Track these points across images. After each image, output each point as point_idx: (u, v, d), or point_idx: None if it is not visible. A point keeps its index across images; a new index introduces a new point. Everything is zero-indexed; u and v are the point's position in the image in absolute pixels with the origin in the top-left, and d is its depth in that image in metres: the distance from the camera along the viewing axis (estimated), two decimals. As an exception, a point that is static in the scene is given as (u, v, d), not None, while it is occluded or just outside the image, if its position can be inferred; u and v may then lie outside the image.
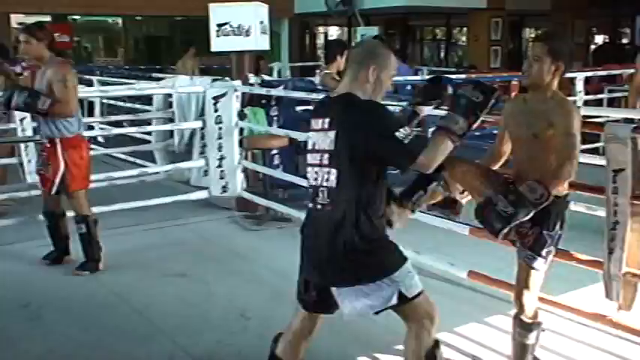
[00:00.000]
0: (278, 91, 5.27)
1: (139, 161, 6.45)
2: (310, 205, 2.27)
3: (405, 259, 2.22)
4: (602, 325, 2.95)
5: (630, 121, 4.06)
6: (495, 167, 2.68)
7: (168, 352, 2.95)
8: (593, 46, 14.15)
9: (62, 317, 3.32)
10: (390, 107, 2.57)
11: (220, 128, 5.07)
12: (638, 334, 2.83)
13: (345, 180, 2.13)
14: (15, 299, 3.52)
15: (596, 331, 2.98)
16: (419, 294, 2.20)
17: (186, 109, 5.94)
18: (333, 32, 18.07)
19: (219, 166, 5.12)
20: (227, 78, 5.58)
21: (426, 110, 2.54)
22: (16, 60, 6.11)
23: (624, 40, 13.97)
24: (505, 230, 2.29)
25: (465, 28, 15.17)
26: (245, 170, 5.28)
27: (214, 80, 5.58)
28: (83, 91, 4.03)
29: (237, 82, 5.22)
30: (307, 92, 5.12)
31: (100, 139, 7.41)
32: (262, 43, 5.26)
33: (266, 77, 6.90)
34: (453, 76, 4.58)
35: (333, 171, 2.15)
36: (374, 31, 10.42)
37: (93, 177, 4.11)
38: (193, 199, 5.21)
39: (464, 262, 3.65)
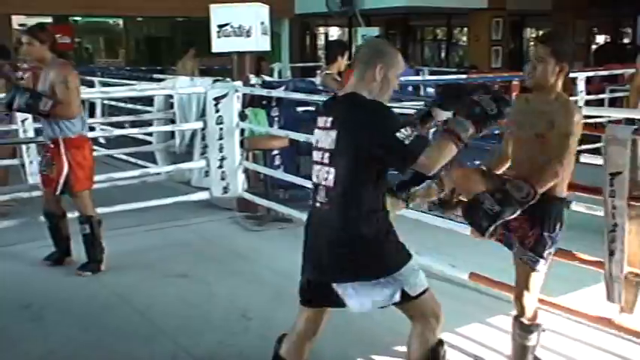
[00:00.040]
0: (279, 92, 5.28)
1: (140, 162, 6.46)
2: (311, 202, 2.27)
3: (409, 257, 2.21)
4: (604, 327, 2.94)
5: (631, 121, 4.06)
6: (503, 169, 2.68)
7: (169, 352, 2.95)
8: (594, 46, 14.14)
9: (64, 318, 3.32)
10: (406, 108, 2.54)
11: (221, 129, 5.08)
12: (640, 335, 2.83)
13: (344, 180, 2.13)
14: (16, 300, 3.53)
15: (597, 330, 2.98)
16: (424, 292, 2.20)
17: (187, 110, 5.94)
18: (334, 33, 18.08)
19: (220, 166, 5.13)
20: (228, 79, 5.59)
21: (443, 115, 2.48)
22: (18, 67, 6.11)
23: (625, 40, 13.97)
24: (492, 228, 2.29)
25: (465, 28, 15.17)
26: (246, 171, 5.28)
27: (215, 81, 5.58)
28: (84, 92, 4.03)
29: (238, 83, 5.23)
30: (308, 93, 5.13)
31: (101, 140, 7.42)
32: (263, 43, 5.27)
33: (267, 78, 6.90)
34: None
35: (332, 170, 2.16)
36: (375, 31, 10.44)
37: (94, 178, 4.11)
38: (194, 199, 5.22)
39: (465, 263, 3.66)
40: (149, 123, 6.64)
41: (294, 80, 7.18)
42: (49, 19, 12.37)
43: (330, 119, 2.20)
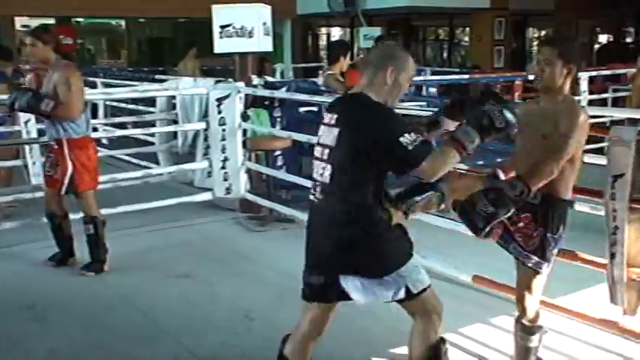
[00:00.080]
0: (281, 93, 5.28)
1: (142, 163, 6.47)
2: (310, 197, 2.28)
3: (410, 254, 2.22)
4: (607, 329, 2.94)
5: (634, 121, 4.05)
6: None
7: (172, 353, 2.96)
8: (597, 46, 14.12)
9: (67, 318, 3.33)
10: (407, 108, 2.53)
11: (224, 130, 5.08)
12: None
13: (340, 177, 2.14)
14: (20, 300, 3.54)
15: (600, 331, 2.98)
16: (426, 289, 2.21)
17: (190, 110, 5.95)
18: (336, 33, 18.07)
19: (223, 167, 5.14)
20: (230, 80, 5.59)
21: (451, 125, 2.46)
22: (20, 68, 6.12)
23: (628, 40, 13.94)
24: (487, 229, 2.29)
25: (468, 28, 15.14)
26: (249, 171, 5.29)
27: (218, 82, 5.59)
28: (87, 93, 4.03)
29: (241, 84, 5.24)
30: (310, 93, 5.13)
31: (104, 140, 7.43)
32: (265, 44, 5.27)
33: (269, 78, 6.90)
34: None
35: (329, 167, 2.17)
36: (377, 31, 10.40)
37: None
38: (197, 200, 5.22)
39: (465, 263, 3.65)
40: (152, 124, 6.65)
41: (296, 81, 7.19)
42: (51, 21, 12.39)
43: (335, 116, 2.21)
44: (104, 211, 4.16)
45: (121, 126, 7.12)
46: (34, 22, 10.60)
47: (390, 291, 2.17)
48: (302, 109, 5.61)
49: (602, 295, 2.85)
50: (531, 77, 3.22)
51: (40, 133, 5.15)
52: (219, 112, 5.07)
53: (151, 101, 7.20)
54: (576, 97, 6.39)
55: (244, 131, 5.17)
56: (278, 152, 5.31)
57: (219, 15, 5.19)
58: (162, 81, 7.93)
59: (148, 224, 4.82)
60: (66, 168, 3.78)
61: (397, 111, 2.37)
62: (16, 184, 5.40)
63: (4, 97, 4.12)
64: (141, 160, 6.59)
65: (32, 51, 3.79)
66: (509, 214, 2.28)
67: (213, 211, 5.25)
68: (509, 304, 3.06)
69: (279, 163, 5.36)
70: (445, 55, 16.49)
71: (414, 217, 2.39)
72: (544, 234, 2.41)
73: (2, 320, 3.33)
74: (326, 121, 2.25)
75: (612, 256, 2.67)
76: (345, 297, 2.23)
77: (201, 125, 5.44)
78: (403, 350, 2.46)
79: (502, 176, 2.42)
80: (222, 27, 5.16)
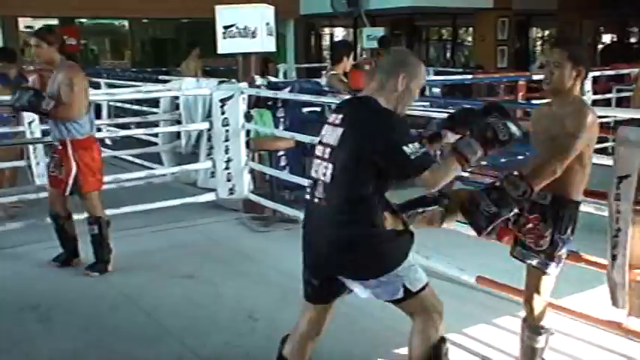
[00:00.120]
0: (285, 94, 5.28)
1: (146, 163, 6.48)
2: (307, 197, 2.26)
3: (405, 254, 2.21)
4: (611, 330, 2.93)
5: (637, 121, 4.03)
6: None
7: (176, 353, 2.96)
8: (600, 46, 14.08)
9: (71, 318, 3.34)
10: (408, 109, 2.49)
11: (227, 130, 5.08)
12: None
13: (341, 177, 2.14)
14: (24, 301, 3.54)
15: (604, 332, 2.98)
16: (424, 288, 2.20)
17: (193, 111, 5.95)
18: (339, 33, 18.07)
19: (226, 168, 5.14)
20: (233, 80, 5.60)
21: (452, 138, 2.43)
22: (24, 69, 6.14)
23: (632, 40, 13.90)
24: (489, 229, 2.29)
25: (471, 28, 15.13)
26: (252, 172, 5.29)
27: (221, 82, 5.59)
28: (90, 94, 4.04)
29: (244, 85, 5.24)
30: (314, 94, 5.12)
31: (107, 141, 7.44)
32: (268, 44, 5.28)
33: (272, 79, 6.91)
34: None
35: (330, 166, 2.17)
36: (380, 31, 10.38)
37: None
38: (201, 201, 5.23)
39: (465, 263, 3.65)
40: (155, 124, 6.65)
41: (299, 81, 7.18)
42: (55, 21, 12.42)
43: (340, 116, 2.22)
44: (108, 212, 4.17)
45: (125, 126, 7.12)
46: (38, 23, 10.64)
47: (389, 290, 2.17)
48: (305, 110, 5.61)
49: (606, 296, 2.85)
50: (535, 77, 3.23)
51: (44, 133, 5.16)
52: (223, 113, 5.07)
53: (154, 102, 7.21)
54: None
55: (247, 132, 5.17)
56: (281, 153, 5.31)
57: (223, 15, 5.20)
58: (165, 81, 7.94)
59: (152, 224, 4.83)
60: (70, 169, 3.80)
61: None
62: (21, 185, 5.41)
63: (7, 98, 4.14)
64: (144, 160, 6.60)
65: (37, 52, 3.80)
66: (512, 213, 2.28)
67: (216, 212, 5.26)
68: (512, 305, 3.06)
69: (283, 163, 5.36)
70: (448, 55, 16.47)
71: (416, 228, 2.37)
72: (553, 234, 2.41)
73: (6, 321, 3.34)
74: (330, 120, 2.25)
75: (613, 258, 2.66)
76: (345, 290, 2.24)
77: (205, 126, 5.44)
78: (403, 350, 2.46)
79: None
80: (226, 27, 5.16)
